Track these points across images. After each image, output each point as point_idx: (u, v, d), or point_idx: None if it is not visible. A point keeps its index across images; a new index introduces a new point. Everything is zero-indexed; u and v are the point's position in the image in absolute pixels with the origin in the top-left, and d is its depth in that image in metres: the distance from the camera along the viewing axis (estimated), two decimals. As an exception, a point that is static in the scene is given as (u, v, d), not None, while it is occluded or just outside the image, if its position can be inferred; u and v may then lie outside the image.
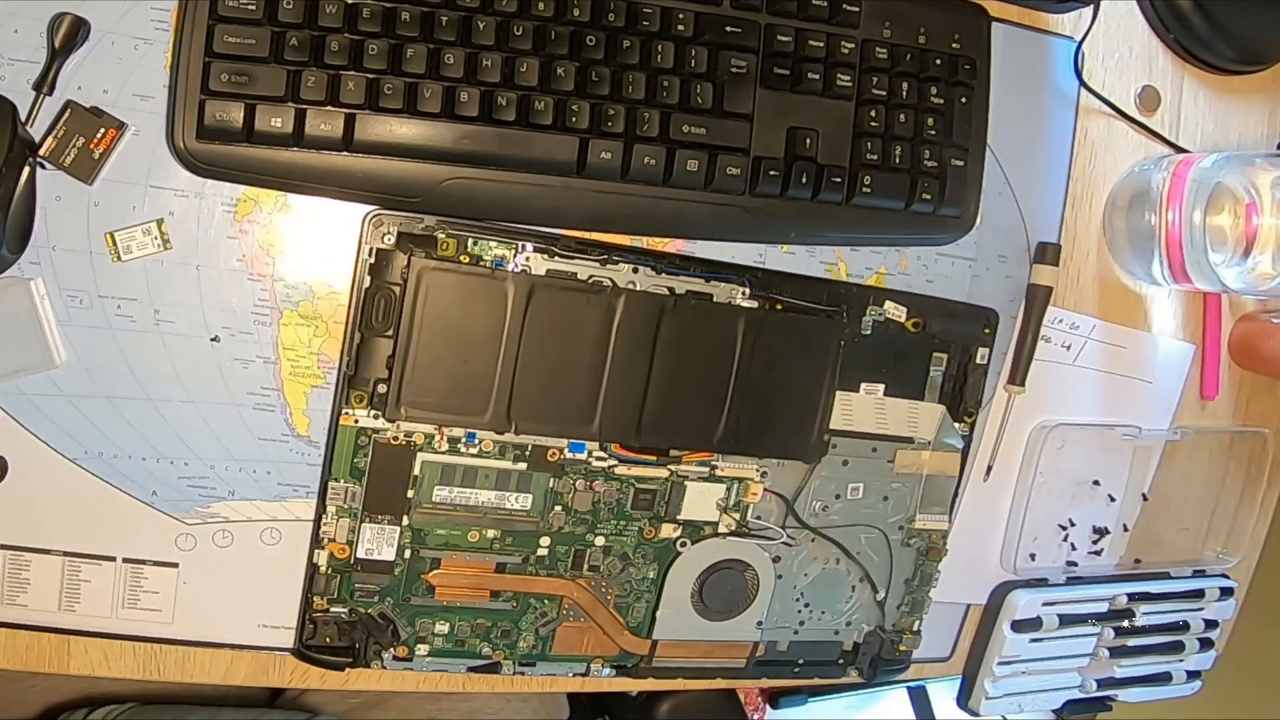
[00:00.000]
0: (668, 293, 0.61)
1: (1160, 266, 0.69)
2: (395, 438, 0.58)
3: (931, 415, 0.67)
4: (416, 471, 0.58)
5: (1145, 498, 0.76)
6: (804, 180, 0.61)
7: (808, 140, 0.61)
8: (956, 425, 0.68)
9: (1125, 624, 0.75)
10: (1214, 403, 0.77)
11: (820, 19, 0.61)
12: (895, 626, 0.70)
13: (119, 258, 0.55)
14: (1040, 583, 0.74)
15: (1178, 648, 0.78)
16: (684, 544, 0.64)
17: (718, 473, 0.63)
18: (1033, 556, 0.73)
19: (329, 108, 0.53)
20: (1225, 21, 0.71)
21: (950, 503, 0.69)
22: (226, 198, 0.56)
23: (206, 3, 0.52)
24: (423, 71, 0.54)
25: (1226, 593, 0.78)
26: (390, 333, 0.57)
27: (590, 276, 0.59)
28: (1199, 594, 0.77)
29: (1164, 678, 0.78)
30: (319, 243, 0.58)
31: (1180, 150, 0.73)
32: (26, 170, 0.52)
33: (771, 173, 0.60)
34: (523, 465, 0.60)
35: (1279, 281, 0.67)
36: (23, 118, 0.52)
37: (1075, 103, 0.71)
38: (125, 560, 0.57)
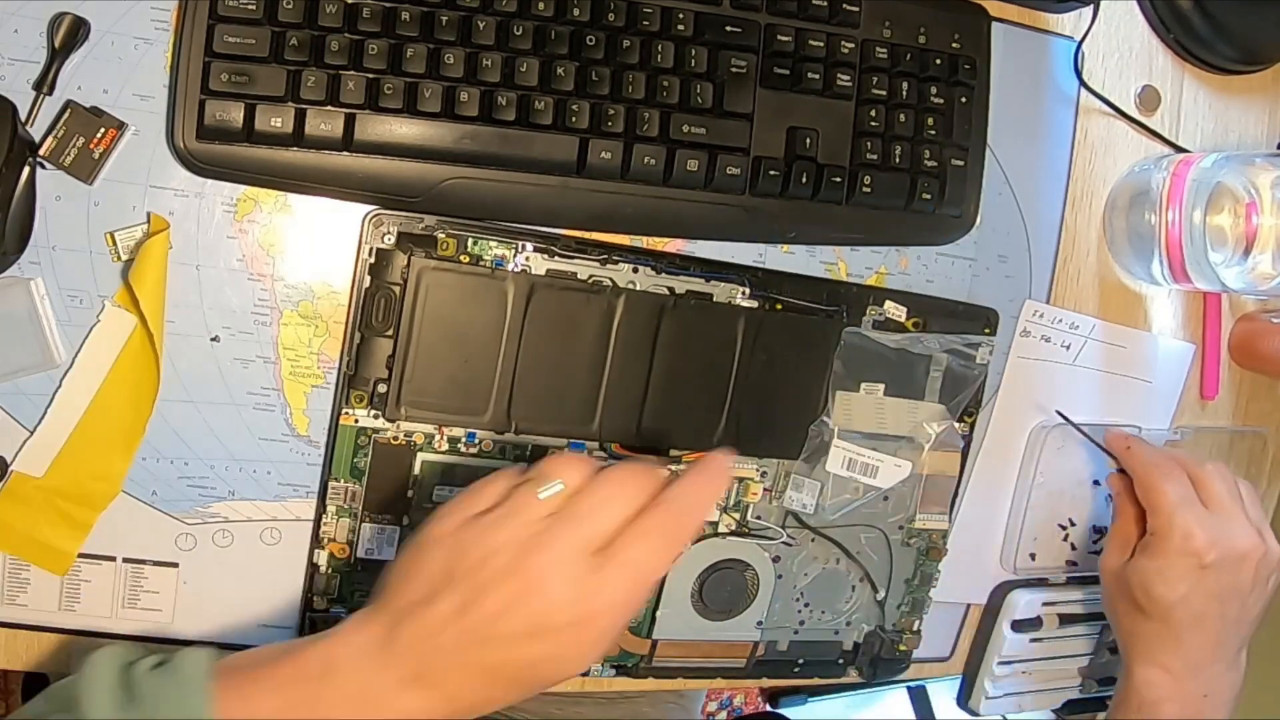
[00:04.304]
0: (668, 292, 0.61)
1: (1160, 266, 0.69)
2: (395, 437, 0.58)
3: (931, 415, 0.67)
4: (416, 471, 0.58)
5: (1145, 497, 0.76)
6: (804, 180, 0.61)
7: (808, 140, 0.61)
8: (956, 425, 0.68)
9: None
10: (1214, 403, 0.77)
11: (820, 19, 0.61)
12: (895, 626, 0.70)
13: (119, 258, 0.55)
14: (1040, 583, 0.74)
15: (1178, 648, 0.78)
16: (684, 544, 0.64)
17: (718, 473, 0.63)
18: (1033, 556, 0.73)
19: (329, 108, 0.53)
20: (1225, 21, 0.71)
21: (950, 503, 0.69)
22: (226, 198, 0.56)
23: (206, 3, 0.52)
24: (423, 71, 0.54)
25: (1226, 593, 0.78)
26: (390, 333, 0.57)
27: (590, 276, 0.59)
28: (1199, 594, 0.77)
29: (1164, 678, 0.78)
30: (319, 243, 0.57)
31: (1180, 150, 0.72)
32: (26, 170, 0.52)
33: (771, 172, 0.60)
34: (523, 465, 0.60)
35: (1279, 281, 0.67)
36: (23, 118, 0.52)
37: (1075, 103, 0.71)
38: (125, 560, 0.57)
